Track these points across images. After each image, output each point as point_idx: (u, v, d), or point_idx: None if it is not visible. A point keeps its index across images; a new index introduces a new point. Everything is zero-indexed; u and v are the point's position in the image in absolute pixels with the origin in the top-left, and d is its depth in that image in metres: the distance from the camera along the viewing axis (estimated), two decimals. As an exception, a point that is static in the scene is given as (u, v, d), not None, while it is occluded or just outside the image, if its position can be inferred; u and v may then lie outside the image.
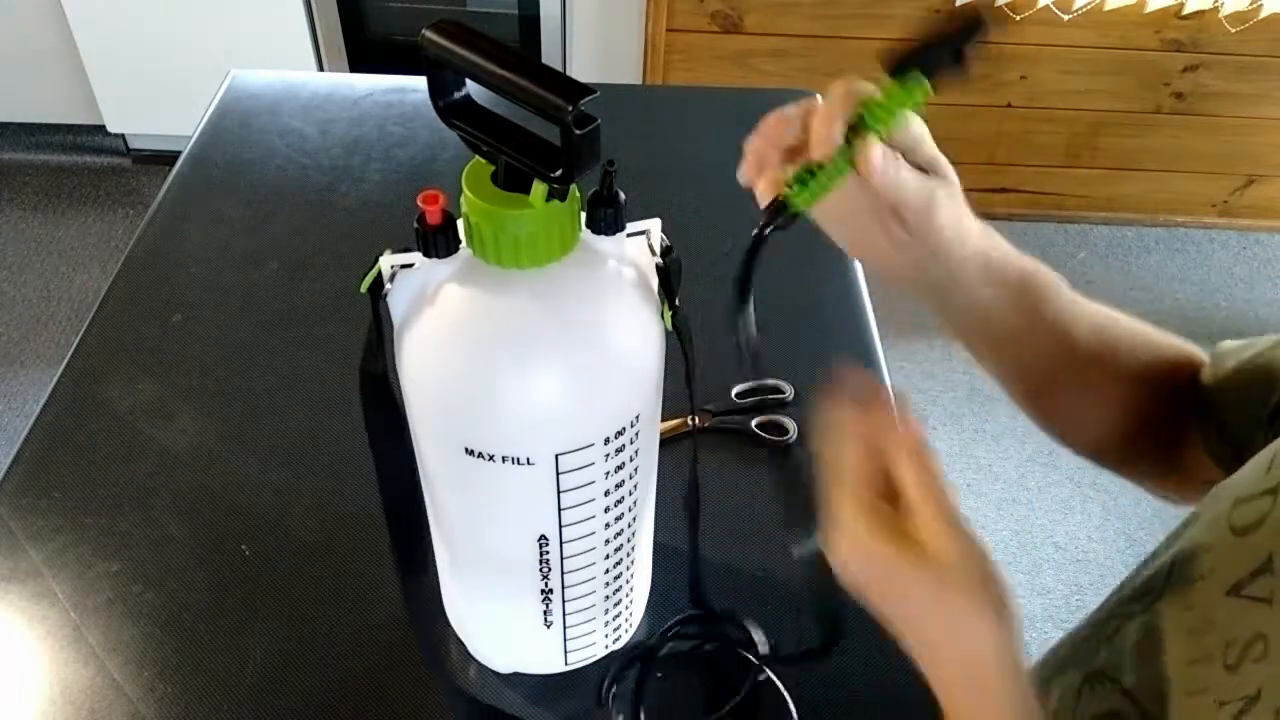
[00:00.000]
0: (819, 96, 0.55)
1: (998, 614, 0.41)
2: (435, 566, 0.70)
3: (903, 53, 0.50)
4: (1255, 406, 0.55)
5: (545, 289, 0.52)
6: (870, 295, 1.02)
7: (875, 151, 0.50)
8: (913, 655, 0.44)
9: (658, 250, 0.57)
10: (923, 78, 0.50)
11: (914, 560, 0.41)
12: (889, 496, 0.43)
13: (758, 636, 0.71)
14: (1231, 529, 0.47)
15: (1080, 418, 0.67)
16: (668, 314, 0.57)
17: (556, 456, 0.54)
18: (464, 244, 0.53)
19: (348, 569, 0.77)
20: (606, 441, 0.55)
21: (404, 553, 0.62)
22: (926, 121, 0.53)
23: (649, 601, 0.75)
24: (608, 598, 0.66)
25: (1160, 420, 0.65)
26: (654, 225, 0.57)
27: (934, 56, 0.50)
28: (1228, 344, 0.62)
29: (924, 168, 0.54)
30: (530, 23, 2.29)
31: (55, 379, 0.90)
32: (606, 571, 0.64)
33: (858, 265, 1.05)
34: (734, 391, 0.90)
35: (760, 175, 0.54)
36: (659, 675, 0.70)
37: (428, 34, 0.48)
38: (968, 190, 0.58)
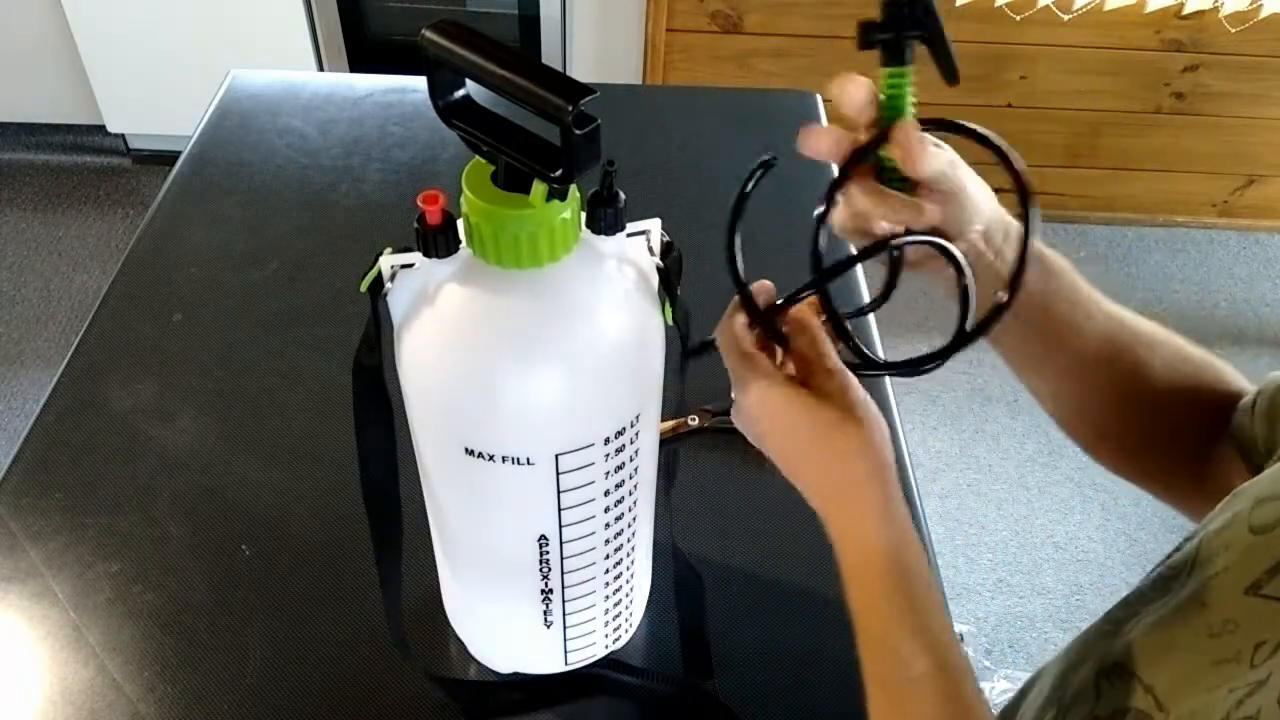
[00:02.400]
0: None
1: (865, 450, 0.50)
2: (415, 557, 0.70)
3: (868, 32, 0.52)
4: None
5: (545, 289, 0.52)
6: (870, 295, 1.02)
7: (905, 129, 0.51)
8: (798, 486, 0.53)
9: (657, 250, 0.57)
10: (902, 54, 0.52)
11: (807, 410, 0.51)
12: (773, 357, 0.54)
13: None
14: (1250, 529, 0.47)
15: (1100, 412, 0.66)
16: (668, 310, 0.57)
17: (556, 456, 0.54)
18: (464, 244, 0.53)
19: (348, 569, 0.77)
20: (606, 441, 0.55)
21: (379, 537, 0.63)
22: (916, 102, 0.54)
23: (649, 601, 0.75)
24: (608, 598, 0.66)
25: (1189, 439, 0.64)
26: (654, 225, 0.57)
27: (898, 28, 0.51)
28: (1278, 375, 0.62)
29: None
30: (530, 23, 2.29)
31: (55, 379, 0.90)
32: (606, 571, 0.64)
33: (858, 265, 1.04)
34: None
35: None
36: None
37: (428, 34, 0.48)
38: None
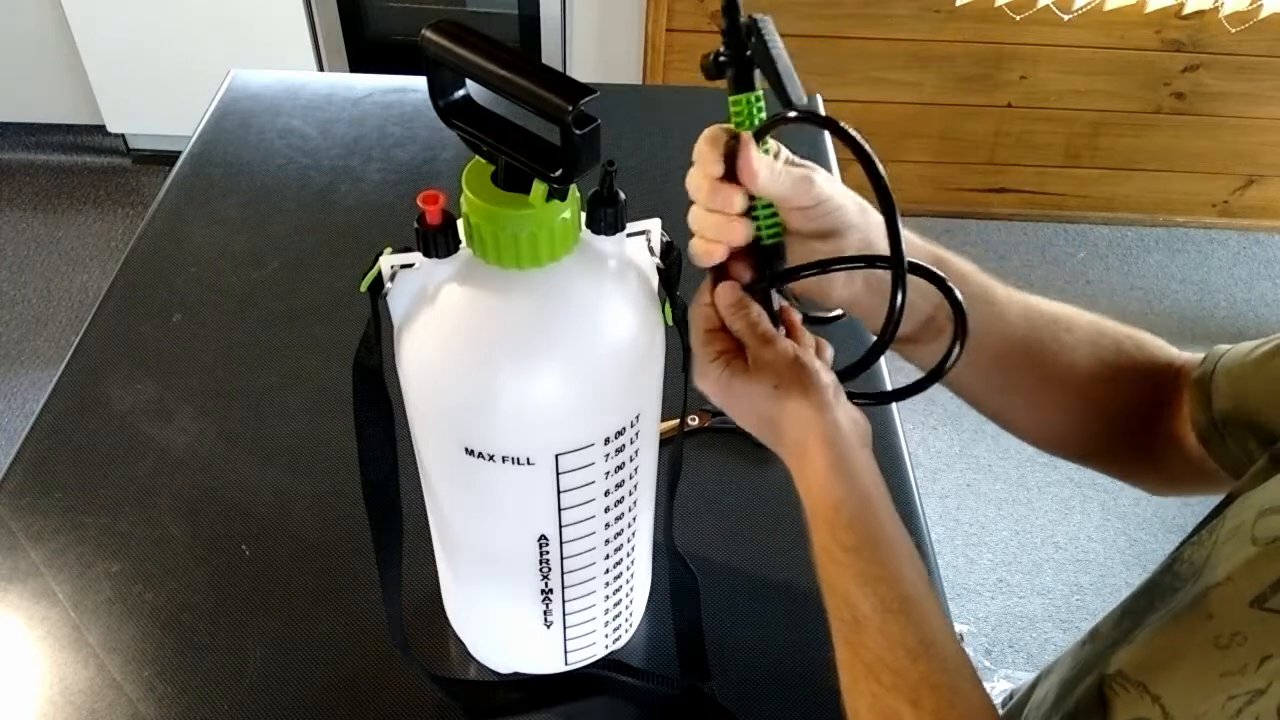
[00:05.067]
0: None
1: (806, 398, 0.52)
2: (415, 557, 0.70)
3: (712, 62, 0.53)
4: None
5: (545, 289, 0.52)
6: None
7: (748, 156, 0.52)
8: (775, 453, 0.56)
9: (657, 250, 0.57)
10: (748, 81, 0.53)
11: (749, 381, 0.54)
12: (732, 340, 0.56)
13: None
14: (1254, 540, 0.47)
15: (1030, 407, 0.66)
16: (668, 310, 0.57)
17: (556, 456, 0.54)
18: (464, 244, 0.53)
19: (348, 569, 0.77)
20: (606, 441, 0.55)
21: (379, 537, 0.64)
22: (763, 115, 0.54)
23: (649, 602, 0.75)
24: (608, 598, 0.66)
25: (1126, 414, 0.64)
26: (654, 225, 0.57)
27: (731, 56, 0.52)
28: (1225, 347, 0.61)
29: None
30: (530, 23, 2.29)
31: (55, 379, 0.90)
32: (606, 571, 0.64)
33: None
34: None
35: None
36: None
37: (428, 34, 0.48)
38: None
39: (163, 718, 0.68)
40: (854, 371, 0.56)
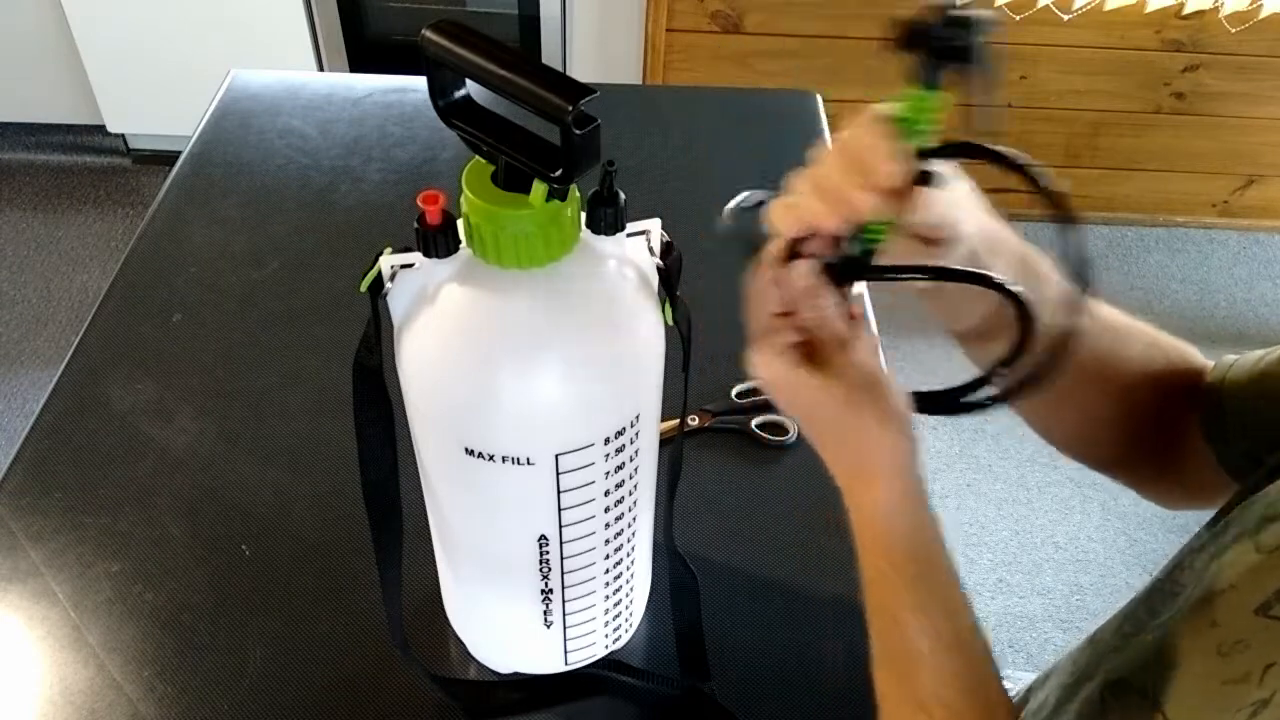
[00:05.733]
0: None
1: (882, 423, 0.49)
2: (415, 557, 0.70)
3: (907, 35, 0.45)
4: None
5: (545, 289, 0.52)
6: (870, 296, 1.02)
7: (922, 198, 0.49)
8: (822, 456, 0.53)
9: (657, 250, 0.57)
10: (933, 80, 0.46)
11: (819, 381, 0.50)
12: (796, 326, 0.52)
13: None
14: (1257, 547, 0.47)
15: (1070, 413, 0.66)
16: (668, 310, 0.57)
17: (556, 456, 0.54)
18: (464, 244, 0.53)
19: (348, 569, 0.77)
20: (606, 441, 0.55)
21: (379, 537, 0.64)
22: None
23: (649, 602, 0.75)
24: (608, 598, 0.66)
25: (1159, 424, 0.65)
26: (654, 225, 0.57)
27: (937, 48, 0.44)
28: (1234, 357, 0.61)
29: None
30: (530, 23, 2.29)
31: (55, 379, 0.90)
32: (606, 571, 0.64)
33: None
34: (734, 391, 0.90)
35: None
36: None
37: (428, 34, 0.48)
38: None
39: (163, 718, 0.68)
40: (951, 396, 0.52)
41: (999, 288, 0.49)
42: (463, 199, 0.51)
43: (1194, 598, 0.49)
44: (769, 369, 0.52)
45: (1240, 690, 0.43)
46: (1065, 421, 0.67)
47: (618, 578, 0.65)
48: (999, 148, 0.47)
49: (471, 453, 0.54)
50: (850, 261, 0.51)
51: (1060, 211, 0.47)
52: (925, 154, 0.47)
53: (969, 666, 0.49)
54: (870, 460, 0.50)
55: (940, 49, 0.43)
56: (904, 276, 0.52)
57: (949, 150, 0.48)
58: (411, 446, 0.61)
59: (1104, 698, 0.52)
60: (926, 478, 0.51)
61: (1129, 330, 0.63)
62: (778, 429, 0.87)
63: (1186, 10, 2.21)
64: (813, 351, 0.52)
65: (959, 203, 0.52)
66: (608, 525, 0.61)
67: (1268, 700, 0.41)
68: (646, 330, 0.56)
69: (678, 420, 0.68)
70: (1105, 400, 0.64)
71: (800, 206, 0.49)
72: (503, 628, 0.69)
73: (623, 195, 0.54)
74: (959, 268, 0.52)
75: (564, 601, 0.64)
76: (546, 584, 0.62)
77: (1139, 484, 0.69)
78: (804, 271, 0.50)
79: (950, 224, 0.52)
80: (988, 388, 0.52)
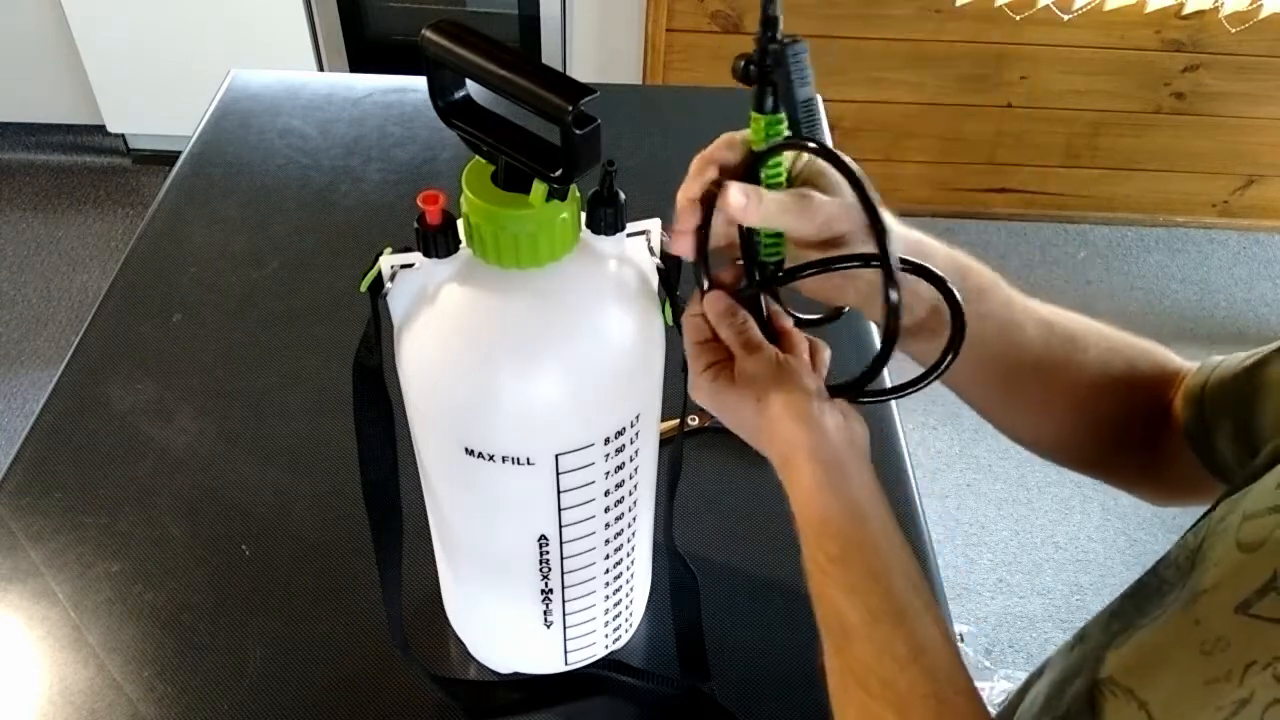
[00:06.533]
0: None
1: (790, 414, 0.52)
2: (415, 557, 0.70)
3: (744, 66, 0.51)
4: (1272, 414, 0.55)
5: (545, 289, 0.52)
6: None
7: (731, 192, 0.51)
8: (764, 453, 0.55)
9: (657, 250, 0.57)
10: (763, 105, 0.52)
11: (736, 393, 0.54)
12: (724, 350, 0.56)
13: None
14: (1239, 545, 0.47)
15: (1036, 418, 0.66)
16: (668, 310, 0.57)
17: (556, 456, 0.54)
18: (464, 244, 0.53)
19: (348, 569, 0.77)
20: (606, 441, 0.55)
21: (379, 537, 0.64)
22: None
23: (649, 602, 0.75)
24: (608, 598, 0.66)
25: (1129, 426, 0.65)
26: (654, 225, 0.57)
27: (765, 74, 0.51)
28: (1219, 358, 0.62)
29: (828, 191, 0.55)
30: (530, 23, 2.29)
31: (55, 379, 0.90)
32: (606, 571, 0.64)
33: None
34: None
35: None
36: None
37: (428, 34, 0.48)
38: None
39: (163, 718, 0.68)
40: (859, 384, 0.55)
41: (885, 265, 0.50)
42: (463, 199, 0.51)
43: (1178, 596, 0.50)
44: (701, 391, 0.56)
45: (1222, 689, 0.43)
46: (1036, 427, 0.67)
47: (618, 578, 0.65)
48: (812, 142, 0.52)
49: (471, 453, 0.54)
50: (762, 278, 0.55)
51: (859, 192, 0.51)
52: (764, 153, 0.53)
53: (904, 637, 0.49)
54: (786, 449, 0.52)
55: (760, 78, 0.51)
56: (802, 274, 0.54)
57: (779, 146, 0.52)
58: (411, 446, 0.61)
59: (1092, 695, 0.52)
60: (863, 459, 0.53)
61: (1085, 334, 0.63)
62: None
63: (1186, 10, 2.21)
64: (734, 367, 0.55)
65: (833, 199, 0.54)
66: (608, 525, 0.61)
67: (1248, 699, 0.41)
68: (646, 330, 0.56)
69: (678, 420, 0.68)
70: (1067, 404, 0.64)
71: (679, 209, 0.54)
72: (503, 628, 0.69)
73: (623, 195, 0.54)
74: (846, 253, 0.53)
75: (564, 601, 0.64)
76: (546, 584, 0.62)
77: (1123, 484, 0.70)
78: (714, 297, 0.55)
79: (832, 228, 0.53)
80: (910, 378, 0.54)
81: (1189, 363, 0.64)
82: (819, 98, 0.53)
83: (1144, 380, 0.64)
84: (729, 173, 0.53)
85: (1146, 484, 0.69)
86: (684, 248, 0.54)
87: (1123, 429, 0.65)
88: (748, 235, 0.55)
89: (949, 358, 0.54)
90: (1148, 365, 0.64)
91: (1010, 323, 0.60)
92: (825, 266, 0.54)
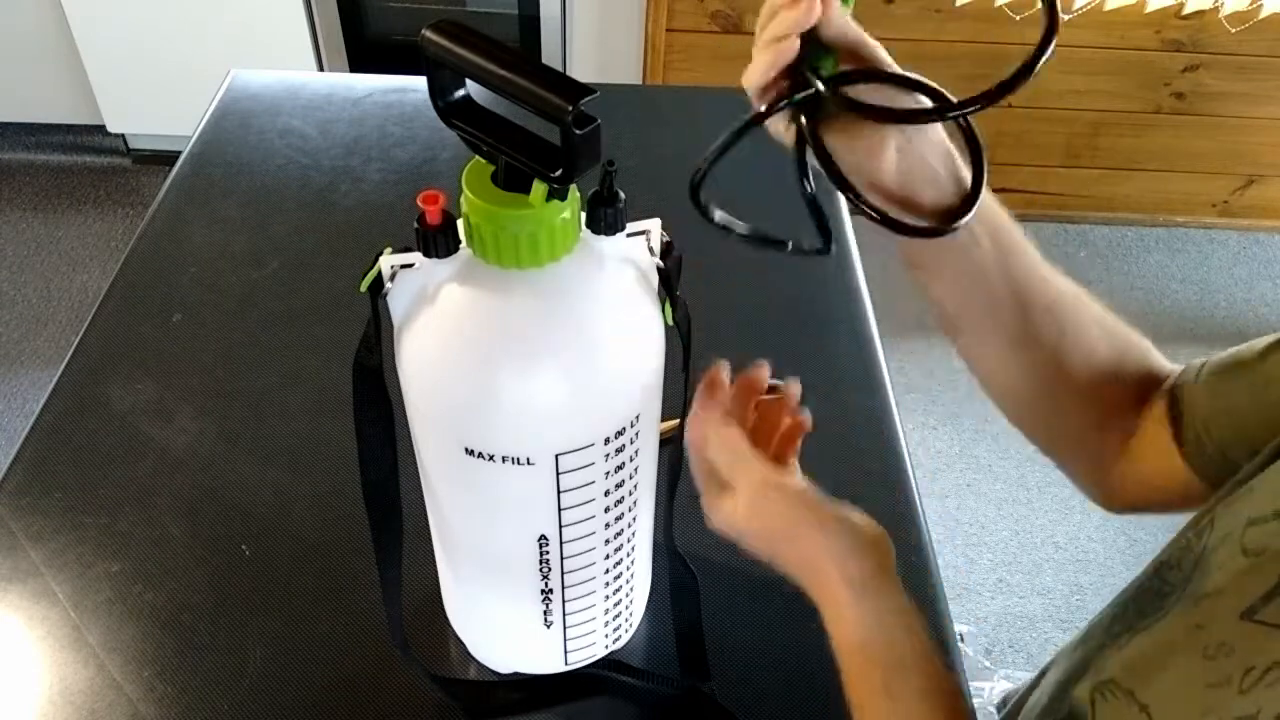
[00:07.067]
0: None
1: (822, 526, 0.57)
2: (415, 557, 0.70)
3: None
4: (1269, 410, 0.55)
5: (545, 289, 0.52)
6: (870, 294, 1.02)
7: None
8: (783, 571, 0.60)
9: (657, 250, 0.57)
10: None
11: (726, 512, 0.61)
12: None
13: None
14: (1243, 550, 0.47)
15: (1006, 377, 0.66)
16: (668, 310, 0.57)
17: (556, 456, 0.54)
18: (464, 244, 0.53)
19: (348, 569, 0.77)
20: (606, 441, 0.55)
21: (379, 537, 0.64)
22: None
23: (649, 602, 0.75)
24: (608, 598, 0.66)
25: (1109, 407, 0.65)
26: (654, 225, 0.57)
27: None
28: (1203, 359, 0.62)
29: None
30: (530, 23, 2.29)
31: (55, 379, 0.90)
32: (606, 571, 0.64)
33: (858, 264, 1.05)
34: (734, 391, 0.89)
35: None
36: None
37: (428, 34, 0.48)
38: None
39: (163, 718, 0.68)
40: (995, 94, 0.55)
41: (943, 102, 0.54)
42: (463, 199, 0.51)
43: (1181, 600, 0.49)
44: (717, 517, 0.62)
45: (1222, 694, 0.43)
46: (1005, 368, 0.67)
47: (618, 578, 0.65)
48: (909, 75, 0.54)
49: (471, 453, 0.54)
50: (817, 98, 0.55)
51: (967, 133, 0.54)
52: (840, 79, 0.54)
53: None
54: (813, 578, 0.58)
55: None
56: (860, 81, 0.54)
57: (860, 75, 0.54)
58: (411, 446, 0.61)
59: (1093, 697, 0.52)
60: (887, 565, 0.56)
61: (1089, 308, 0.65)
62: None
63: (1186, 10, 2.21)
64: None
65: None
66: (608, 525, 0.61)
67: (1254, 716, 0.41)
68: (646, 330, 0.56)
69: (678, 420, 0.68)
70: (1060, 386, 0.64)
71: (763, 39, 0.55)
72: (503, 628, 0.69)
73: (623, 195, 0.54)
74: (918, 109, 0.55)
75: (564, 601, 0.64)
76: (546, 584, 0.62)
77: (1084, 470, 0.69)
78: (695, 421, 0.60)
79: (854, 36, 0.55)
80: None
81: (1174, 365, 0.65)
82: None
83: (1131, 368, 0.65)
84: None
85: (1114, 478, 0.68)
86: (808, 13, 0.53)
87: (1100, 407, 0.65)
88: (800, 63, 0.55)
89: (982, 183, 0.57)
90: (1137, 356, 0.65)
91: (1032, 270, 0.64)
92: (885, 79, 0.55)
